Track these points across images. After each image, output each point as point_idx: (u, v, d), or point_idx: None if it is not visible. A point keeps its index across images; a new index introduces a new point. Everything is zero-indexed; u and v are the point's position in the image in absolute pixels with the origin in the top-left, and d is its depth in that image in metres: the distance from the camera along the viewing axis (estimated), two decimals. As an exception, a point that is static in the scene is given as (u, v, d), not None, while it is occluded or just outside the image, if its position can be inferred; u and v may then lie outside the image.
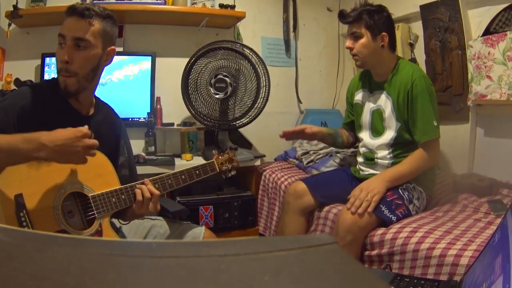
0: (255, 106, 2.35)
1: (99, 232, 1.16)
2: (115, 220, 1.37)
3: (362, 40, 1.65)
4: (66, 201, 1.13)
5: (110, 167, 1.23)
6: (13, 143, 0.99)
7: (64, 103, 1.22)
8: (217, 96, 2.27)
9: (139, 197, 1.21)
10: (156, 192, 1.24)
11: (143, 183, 1.24)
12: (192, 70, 2.27)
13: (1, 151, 0.99)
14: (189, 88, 2.27)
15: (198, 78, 2.30)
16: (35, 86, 1.17)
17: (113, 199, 1.18)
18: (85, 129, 1.05)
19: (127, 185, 1.22)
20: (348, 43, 1.70)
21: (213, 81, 2.26)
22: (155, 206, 1.24)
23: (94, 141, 1.06)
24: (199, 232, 1.41)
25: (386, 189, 1.56)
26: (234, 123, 2.38)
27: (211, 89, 2.26)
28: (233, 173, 1.50)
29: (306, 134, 1.83)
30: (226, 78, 2.26)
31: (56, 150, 1.01)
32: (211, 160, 1.44)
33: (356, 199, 1.51)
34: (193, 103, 2.30)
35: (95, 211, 1.15)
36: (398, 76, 1.67)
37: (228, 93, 2.28)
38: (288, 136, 1.82)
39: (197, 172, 1.37)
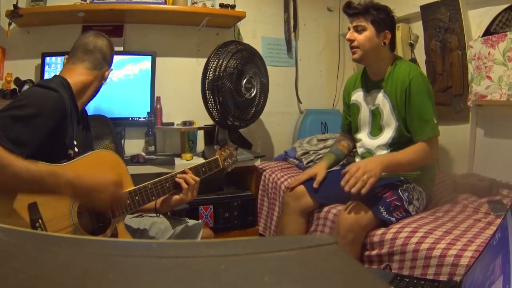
0: (264, 104, 2.46)
1: (114, 236, 1.16)
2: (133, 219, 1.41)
3: (366, 33, 1.64)
4: (81, 207, 1.12)
5: (124, 169, 1.23)
6: (38, 174, 0.96)
7: (72, 101, 1.22)
8: (245, 96, 2.31)
9: (184, 185, 1.32)
10: (197, 178, 1.36)
11: (184, 172, 1.34)
12: (226, 70, 2.23)
13: (22, 179, 0.95)
14: (223, 88, 2.23)
15: (232, 79, 2.27)
16: (53, 87, 1.11)
17: (128, 201, 1.18)
18: (118, 180, 1.08)
19: (140, 185, 1.23)
20: (350, 35, 1.67)
21: (244, 82, 2.28)
22: (197, 192, 1.36)
23: (123, 194, 1.09)
24: (198, 228, 1.44)
25: (382, 173, 1.52)
26: (251, 121, 2.47)
27: (243, 89, 2.29)
28: (232, 167, 1.54)
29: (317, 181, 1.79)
30: (252, 79, 2.31)
31: (83, 192, 1.01)
32: (215, 157, 1.47)
33: (352, 177, 1.48)
34: (229, 104, 2.27)
35: (112, 210, 1.15)
36: (395, 75, 1.66)
37: (253, 93, 2.34)
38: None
39: (204, 169, 1.41)
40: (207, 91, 2.24)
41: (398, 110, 1.65)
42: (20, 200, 1.00)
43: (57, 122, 1.10)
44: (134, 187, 1.22)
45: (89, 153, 1.19)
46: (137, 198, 1.21)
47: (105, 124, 1.76)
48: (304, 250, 0.35)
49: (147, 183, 1.25)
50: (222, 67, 2.20)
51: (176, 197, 1.33)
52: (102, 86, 1.35)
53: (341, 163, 2.18)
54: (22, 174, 0.94)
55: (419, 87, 1.59)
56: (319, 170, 1.80)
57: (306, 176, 1.80)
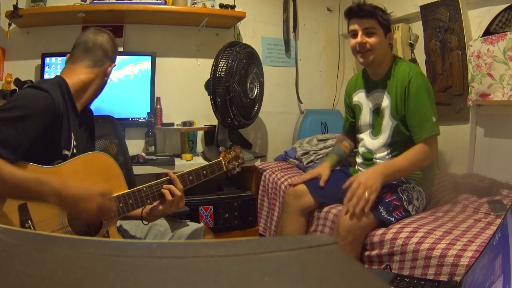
0: (261, 104, 2.49)
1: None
2: (124, 222, 1.38)
3: (377, 36, 1.62)
4: None
5: (118, 171, 1.20)
6: (24, 181, 0.96)
7: (70, 101, 1.21)
8: (249, 96, 2.32)
9: (169, 197, 1.22)
10: (181, 189, 1.26)
11: (170, 181, 1.25)
12: (236, 71, 2.23)
13: (8, 185, 0.95)
14: (233, 89, 2.23)
15: (240, 79, 2.28)
16: (44, 88, 1.10)
17: (120, 205, 1.15)
18: (106, 190, 1.04)
19: (134, 189, 1.19)
20: (361, 38, 1.62)
21: (248, 82, 2.30)
22: (183, 203, 1.27)
23: (111, 204, 1.05)
24: (199, 230, 1.41)
25: (383, 184, 1.53)
26: (252, 121, 2.49)
27: (248, 90, 2.30)
28: (238, 170, 1.49)
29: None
30: (254, 79, 2.33)
31: (68, 202, 0.99)
32: (219, 159, 1.41)
33: (354, 196, 1.49)
34: (237, 104, 2.27)
35: (102, 218, 1.12)
36: (395, 74, 1.66)
37: (255, 93, 2.36)
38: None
39: (205, 172, 1.34)
40: (216, 92, 2.24)
41: (397, 109, 1.66)
42: (11, 201, 1.00)
43: (48, 123, 1.08)
44: (127, 190, 1.18)
45: (80, 155, 1.16)
46: (130, 201, 1.17)
47: (111, 124, 1.75)
48: (304, 250, 0.35)
49: (142, 186, 1.21)
50: (233, 68, 2.21)
51: (161, 207, 1.25)
52: (107, 84, 1.33)
53: (340, 163, 2.18)
54: (8, 180, 0.95)
55: (418, 86, 1.59)
56: (323, 170, 1.83)
57: (310, 176, 1.83)
